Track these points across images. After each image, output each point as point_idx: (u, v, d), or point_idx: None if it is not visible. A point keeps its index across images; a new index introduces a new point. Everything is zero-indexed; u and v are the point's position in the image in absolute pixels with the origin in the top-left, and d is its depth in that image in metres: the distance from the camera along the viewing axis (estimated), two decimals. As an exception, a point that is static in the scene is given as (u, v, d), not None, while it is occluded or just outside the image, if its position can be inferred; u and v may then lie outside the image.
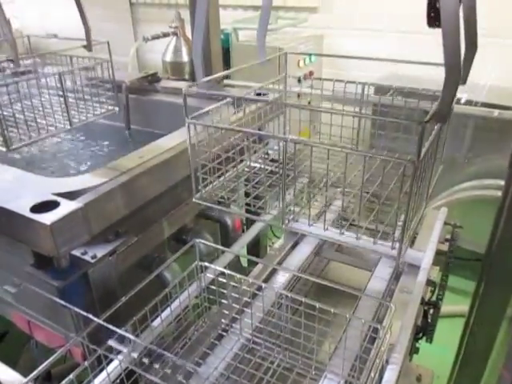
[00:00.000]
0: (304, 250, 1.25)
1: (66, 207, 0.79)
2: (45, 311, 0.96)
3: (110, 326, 0.65)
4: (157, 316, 0.86)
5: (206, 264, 0.95)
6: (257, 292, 0.96)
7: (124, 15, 3.74)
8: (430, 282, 1.13)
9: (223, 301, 0.97)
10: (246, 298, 0.96)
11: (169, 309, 0.90)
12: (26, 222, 0.77)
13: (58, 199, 0.81)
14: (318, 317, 0.82)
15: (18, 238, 0.84)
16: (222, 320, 0.98)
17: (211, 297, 0.99)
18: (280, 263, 1.19)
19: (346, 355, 0.83)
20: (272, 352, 0.92)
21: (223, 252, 1.10)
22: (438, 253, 1.24)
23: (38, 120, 1.16)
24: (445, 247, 1.27)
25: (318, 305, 0.81)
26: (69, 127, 1.19)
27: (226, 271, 0.92)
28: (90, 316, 0.67)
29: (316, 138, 1.22)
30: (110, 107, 1.28)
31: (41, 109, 1.20)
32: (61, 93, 1.13)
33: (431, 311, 1.19)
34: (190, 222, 1.27)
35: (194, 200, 0.89)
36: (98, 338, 0.75)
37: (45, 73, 1.29)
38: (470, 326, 1.21)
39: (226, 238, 1.43)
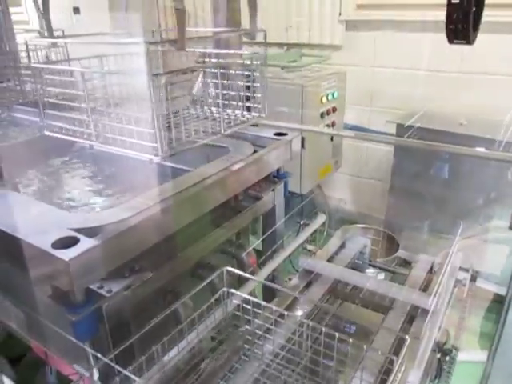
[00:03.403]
0: (318, 291, 1.26)
1: (85, 244, 0.83)
2: (59, 342, 0.99)
3: (117, 367, 0.67)
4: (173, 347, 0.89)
5: (232, 290, 1.04)
6: (279, 319, 1.02)
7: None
8: (443, 328, 1.12)
9: (246, 327, 1.04)
10: (267, 325, 1.02)
11: (185, 340, 0.96)
12: (47, 256, 0.81)
13: (78, 236, 0.85)
14: (337, 347, 0.86)
15: (38, 271, 0.87)
16: (245, 345, 1.04)
17: (235, 323, 1.06)
18: (291, 305, 1.19)
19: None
20: (291, 379, 0.96)
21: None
22: (455, 297, 1.23)
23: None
24: (462, 292, 1.26)
25: (337, 334, 0.87)
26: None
27: (251, 298, 1.00)
28: (99, 355, 0.69)
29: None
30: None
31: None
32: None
33: (447, 358, 1.16)
34: (205, 257, 1.29)
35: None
36: (111, 370, 0.77)
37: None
38: (487, 375, 1.18)
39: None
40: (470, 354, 2.03)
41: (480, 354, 2.02)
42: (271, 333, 1.02)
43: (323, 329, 0.89)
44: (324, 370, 0.93)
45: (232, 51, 1.35)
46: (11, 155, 1.59)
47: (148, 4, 3.76)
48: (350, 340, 0.85)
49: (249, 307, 1.01)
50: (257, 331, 1.03)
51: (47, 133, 1.15)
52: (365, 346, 0.87)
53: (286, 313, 1.00)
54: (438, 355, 1.10)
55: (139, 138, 1.03)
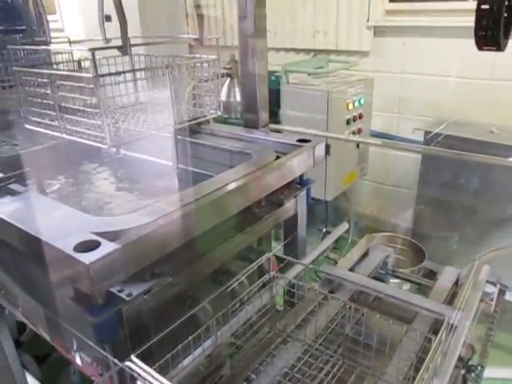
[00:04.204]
0: (339, 300, 1.24)
1: (106, 248, 0.84)
2: (79, 343, 1.01)
3: (133, 373, 0.68)
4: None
5: (278, 275, 1.17)
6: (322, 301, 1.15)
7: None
8: (468, 343, 1.08)
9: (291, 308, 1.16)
10: (311, 307, 1.14)
11: (236, 318, 1.06)
12: (69, 259, 0.83)
13: (100, 239, 0.87)
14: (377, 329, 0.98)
15: (60, 273, 0.89)
16: (288, 327, 1.13)
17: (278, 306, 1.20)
18: (312, 312, 1.18)
19: (400, 364, 0.96)
20: (333, 358, 1.05)
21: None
22: (483, 312, 1.19)
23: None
24: (489, 306, 1.21)
25: (378, 315, 0.98)
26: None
27: (296, 281, 1.13)
28: (116, 361, 0.70)
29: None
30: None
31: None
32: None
33: (472, 374, 1.12)
34: (226, 263, 1.30)
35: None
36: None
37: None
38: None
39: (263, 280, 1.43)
40: (501, 372, 1.96)
41: (506, 372, 1.95)
42: (314, 314, 1.12)
43: (365, 310, 1.00)
44: (365, 350, 1.01)
45: (192, 56, 1.50)
46: (40, 159, 1.64)
47: (176, 12, 3.82)
48: (391, 321, 0.96)
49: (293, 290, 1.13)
50: (300, 313, 1.14)
51: (26, 126, 1.38)
52: (405, 327, 0.98)
53: (329, 295, 1.12)
54: (463, 371, 1.06)
55: (94, 130, 1.24)
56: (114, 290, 0.95)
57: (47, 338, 1.26)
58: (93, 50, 1.11)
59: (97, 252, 0.83)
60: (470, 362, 1.10)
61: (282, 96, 2.74)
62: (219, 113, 1.48)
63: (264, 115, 1.70)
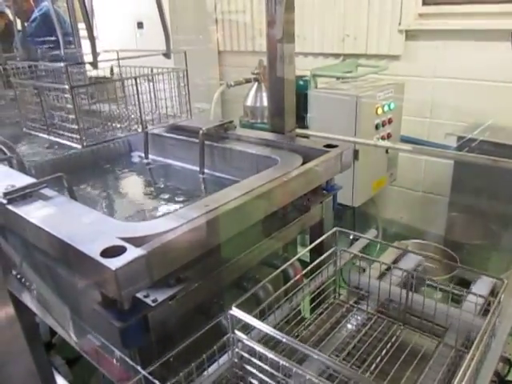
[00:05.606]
0: (366, 309, 1.22)
1: (132, 254, 0.84)
2: (105, 347, 1.02)
3: (156, 382, 0.67)
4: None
5: (344, 249, 1.27)
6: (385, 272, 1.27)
7: (212, 62, 4.00)
8: (505, 357, 1.03)
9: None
10: (373, 280, 1.24)
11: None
12: (95, 264, 0.83)
13: (126, 245, 0.87)
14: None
15: (87, 278, 0.90)
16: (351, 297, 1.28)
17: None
18: (339, 321, 1.16)
19: (460, 327, 1.07)
20: (395, 325, 1.17)
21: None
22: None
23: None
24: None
25: (438, 284, 1.11)
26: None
27: (361, 254, 1.26)
28: (139, 368, 0.70)
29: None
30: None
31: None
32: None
33: (510, 391, 1.07)
34: (251, 270, 1.28)
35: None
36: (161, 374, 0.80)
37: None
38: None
39: (288, 286, 1.42)
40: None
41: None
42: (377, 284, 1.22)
43: (426, 280, 1.14)
44: (427, 310, 1.14)
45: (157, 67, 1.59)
46: (71, 165, 1.68)
47: (206, 20, 3.86)
48: (451, 286, 1.08)
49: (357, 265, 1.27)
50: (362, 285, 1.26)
51: (24, 129, 1.62)
52: (464, 291, 1.09)
53: (392, 265, 1.22)
54: (500, 387, 1.02)
55: (73, 133, 1.44)
56: (139, 295, 0.95)
57: (73, 341, 1.28)
58: (66, 65, 1.34)
59: (123, 257, 0.83)
60: (508, 378, 1.06)
61: (309, 101, 2.72)
62: (190, 117, 1.65)
63: (290, 120, 1.69)
